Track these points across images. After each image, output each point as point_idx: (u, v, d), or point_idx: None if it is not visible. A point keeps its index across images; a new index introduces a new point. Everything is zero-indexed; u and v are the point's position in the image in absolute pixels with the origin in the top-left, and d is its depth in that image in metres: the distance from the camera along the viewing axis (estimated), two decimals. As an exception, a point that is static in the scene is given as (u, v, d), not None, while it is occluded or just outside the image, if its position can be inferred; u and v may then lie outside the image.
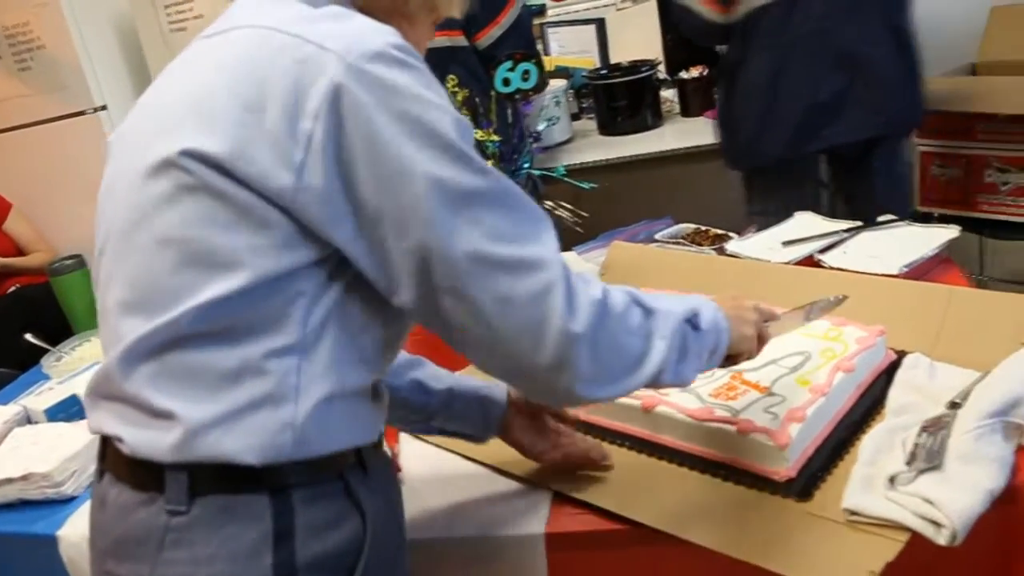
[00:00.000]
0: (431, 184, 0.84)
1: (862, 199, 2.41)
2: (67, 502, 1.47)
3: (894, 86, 2.32)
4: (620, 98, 3.36)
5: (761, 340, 1.13)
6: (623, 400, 1.27)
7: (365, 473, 0.96)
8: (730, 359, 1.09)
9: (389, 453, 1.12)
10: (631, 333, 0.94)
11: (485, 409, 1.24)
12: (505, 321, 0.87)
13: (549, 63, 3.78)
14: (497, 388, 1.25)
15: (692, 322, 1.00)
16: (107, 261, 0.95)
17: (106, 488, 0.95)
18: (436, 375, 1.25)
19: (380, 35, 0.87)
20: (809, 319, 1.24)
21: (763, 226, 2.05)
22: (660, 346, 0.95)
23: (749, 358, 1.12)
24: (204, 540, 0.87)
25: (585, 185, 1.82)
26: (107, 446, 0.96)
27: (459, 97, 1.71)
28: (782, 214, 2.12)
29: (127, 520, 0.91)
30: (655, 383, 0.97)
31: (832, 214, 2.14)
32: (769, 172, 2.43)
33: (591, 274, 0.90)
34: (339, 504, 0.93)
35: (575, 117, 3.73)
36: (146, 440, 0.89)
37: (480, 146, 1.71)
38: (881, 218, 1.85)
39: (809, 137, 2.30)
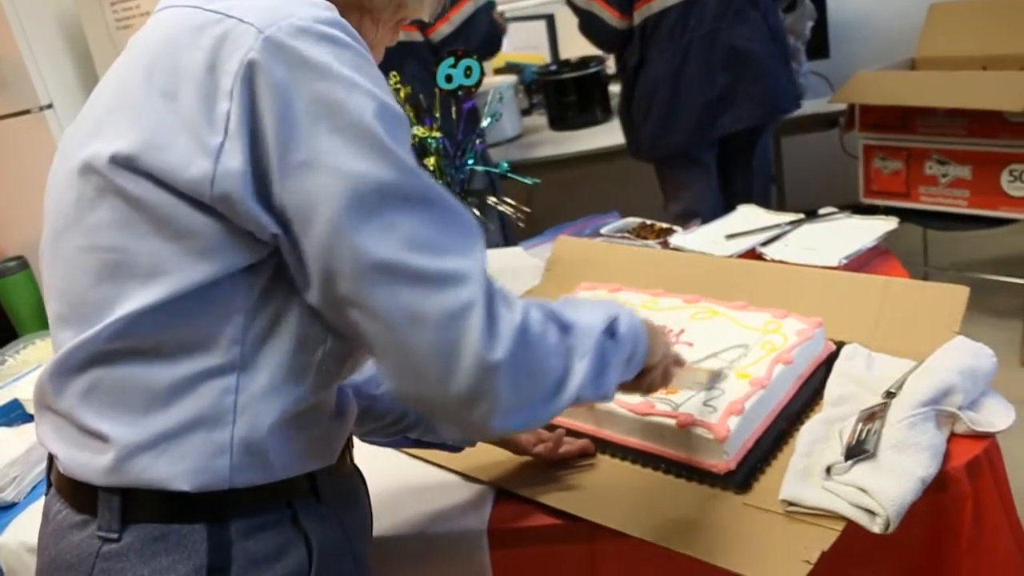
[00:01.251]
0: (342, 178, 0.76)
1: (743, 182, 2.85)
2: (7, 509, 1.44)
3: (773, 78, 2.67)
4: (570, 94, 3.39)
5: (665, 373, 1.09)
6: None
7: (318, 499, 0.91)
8: (643, 374, 1.04)
9: (356, 468, 1.07)
10: (550, 355, 0.86)
11: None
12: (415, 342, 0.78)
13: (499, 59, 3.80)
14: None
15: (611, 329, 0.94)
16: (44, 267, 0.91)
17: (51, 502, 0.92)
18: None
19: (310, 8, 0.80)
20: (709, 384, 1.23)
21: (679, 210, 2.71)
22: (580, 366, 0.89)
23: (651, 387, 1.07)
24: (133, 571, 0.83)
25: (528, 180, 1.82)
26: (52, 458, 0.92)
27: (402, 94, 1.70)
28: (688, 197, 2.75)
29: (61, 542, 0.87)
30: (576, 403, 0.90)
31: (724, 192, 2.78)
32: (675, 161, 2.77)
33: (510, 292, 0.86)
34: (284, 535, 0.87)
35: (526, 112, 3.76)
36: (80, 461, 0.85)
37: (423, 142, 1.71)
38: (822, 211, 1.88)
39: (708, 127, 2.64)
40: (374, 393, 1.15)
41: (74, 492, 0.87)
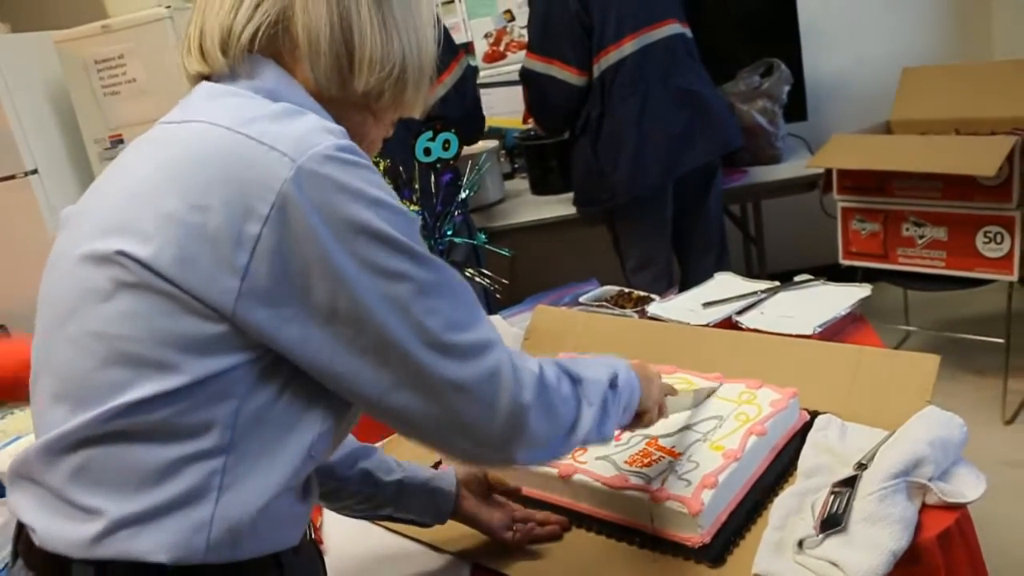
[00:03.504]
0: (382, 291, 0.85)
1: (701, 224, 3.04)
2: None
3: (722, 115, 2.92)
4: (551, 158, 3.42)
5: (660, 409, 1.21)
6: (542, 468, 1.29)
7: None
8: (636, 418, 1.17)
9: (315, 545, 1.11)
10: (565, 402, 0.99)
11: (436, 501, 1.25)
12: (463, 404, 0.89)
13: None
14: (446, 476, 1.27)
15: (612, 383, 1.07)
16: (39, 346, 0.93)
17: (17, 573, 0.93)
18: (386, 466, 1.24)
19: (328, 136, 0.86)
20: (695, 404, 1.36)
21: (633, 264, 2.95)
22: (589, 412, 1.01)
23: (650, 423, 1.20)
24: None
25: (505, 252, 1.85)
26: (22, 530, 0.93)
27: (381, 167, 1.73)
28: (649, 242, 2.95)
29: None
30: (584, 444, 1.04)
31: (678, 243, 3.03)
32: (633, 213, 2.95)
33: (522, 351, 0.98)
34: None
35: (508, 176, 3.79)
36: (60, 533, 0.87)
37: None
38: (797, 278, 1.90)
39: (674, 164, 2.82)
40: (346, 475, 1.20)
41: (46, 565, 0.88)
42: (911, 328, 3.39)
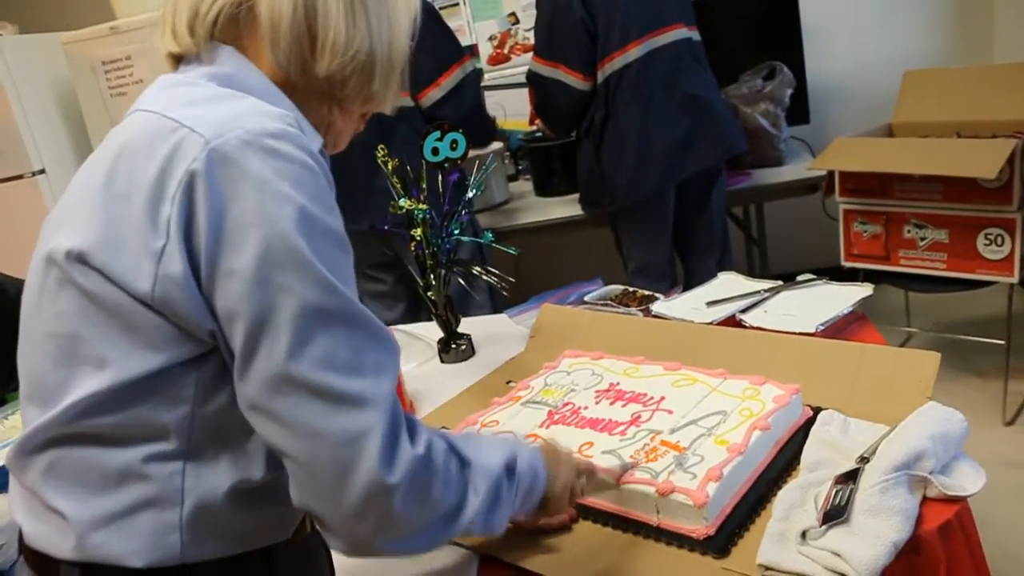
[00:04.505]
0: (262, 290, 0.80)
1: (704, 227, 3.06)
2: (-7, 578, 1.45)
3: (725, 121, 2.94)
4: (554, 160, 3.45)
5: (573, 493, 1.14)
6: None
7: (272, 568, 0.94)
8: (542, 504, 1.11)
9: (317, 536, 1.07)
10: (446, 487, 0.90)
11: None
12: (313, 454, 0.81)
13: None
14: None
15: (508, 467, 0.99)
16: (20, 347, 0.95)
17: (20, 569, 0.95)
18: None
19: (261, 120, 0.84)
20: (620, 483, 1.25)
21: (635, 266, 2.97)
22: (474, 501, 0.93)
23: (558, 510, 1.14)
24: None
25: (512, 250, 1.87)
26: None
27: (390, 167, 1.75)
28: (650, 245, 2.97)
29: None
30: (466, 534, 0.96)
31: (681, 243, 3.07)
32: (636, 216, 2.96)
33: (417, 421, 0.91)
34: None
35: (512, 178, 3.81)
36: (43, 535, 0.89)
37: (410, 214, 1.75)
38: (800, 277, 1.92)
39: (676, 168, 2.84)
40: None
41: (38, 562, 0.91)
42: (912, 329, 3.41)
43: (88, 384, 0.84)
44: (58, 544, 0.87)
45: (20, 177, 3.74)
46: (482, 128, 3.05)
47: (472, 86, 2.87)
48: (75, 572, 0.87)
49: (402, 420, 0.86)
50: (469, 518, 0.93)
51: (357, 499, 0.82)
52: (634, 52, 2.78)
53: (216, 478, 0.88)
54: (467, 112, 2.88)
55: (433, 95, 2.74)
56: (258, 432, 0.85)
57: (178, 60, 0.98)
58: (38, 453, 0.88)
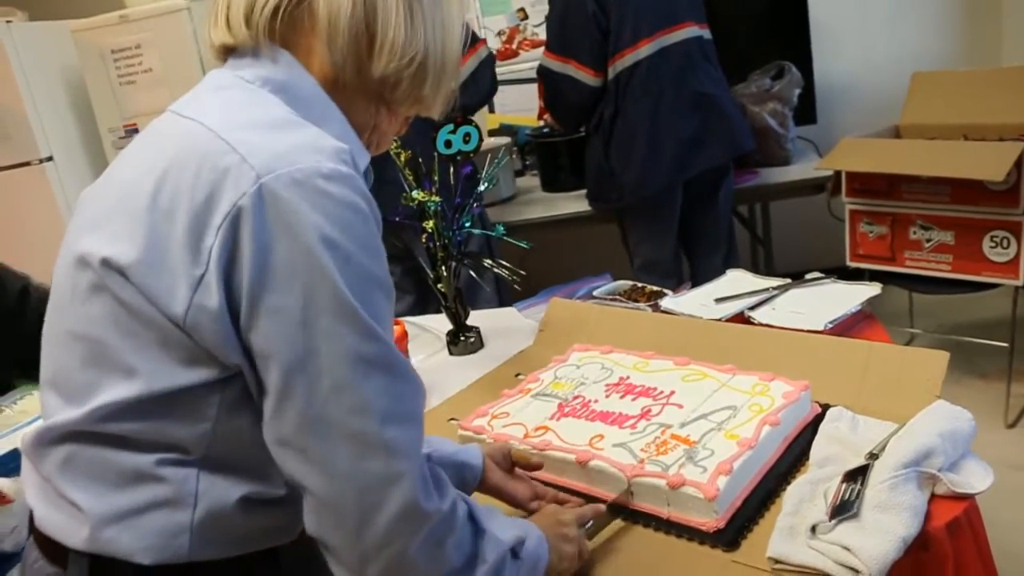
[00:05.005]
0: (306, 334, 0.80)
1: (711, 224, 3.08)
2: (5, 559, 1.45)
3: (734, 119, 2.95)
4: (562, 156, 3.45)
5: (581, 554, 1.14)
6: (559, 454, 1.32)
7: (279, 567, 0.95)
8: None
9: None
10: (458, 549, 0.90)
11: (463, 474, 1.23)
12: (342, 495, 0.82)
13: (494, 121, 3.88)
14: (472, 449, 1.27)
15: (515, 550, 0.99)
16: (45, 331, 0.95)
17: (29, 550, 0.97)
18: None
19: (314, 157, 0.82)
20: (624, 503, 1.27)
21: (640, 262, 2.98)
22: (481, 569, 0.93)
23: (569, 573, 1.13)
24: None
25: (524, 244, 1.88)
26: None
27: (402, 158, 1.76)
28: (657, 242, 2.98)
29: None
30: None
31: (687, 239, 3.08)
32: (643, 212, 2.99)
33: (442, 475, 0.93)
34: None
35: (519, 174, 3.82)
36: (56, 522, 0.90)
37: (422, 206, 1.76)
38: (808, 276, 1.93)
39: (684, 167, 2.86)
40: None
41: (48, 546, 0.92)
42: (915, 331, 3.42)
43: (116, 391, 0.85)
44: (70, 534, 0.89)
45: (27, 164, 3.74)
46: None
47: (487, 72, 2.87)
48: (84, 562, 0.88)
49: (428, 472, 0.87)
50: None
51: (376, 540, 0.83)
52: (645, 49, 2.79)
53: (230, 487, 0.89)
54: (485, 98, 2.90)
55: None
56: (281, 467, 0.85)
57: (228, 52, 0.96)
58: (56, 445, 0.90)
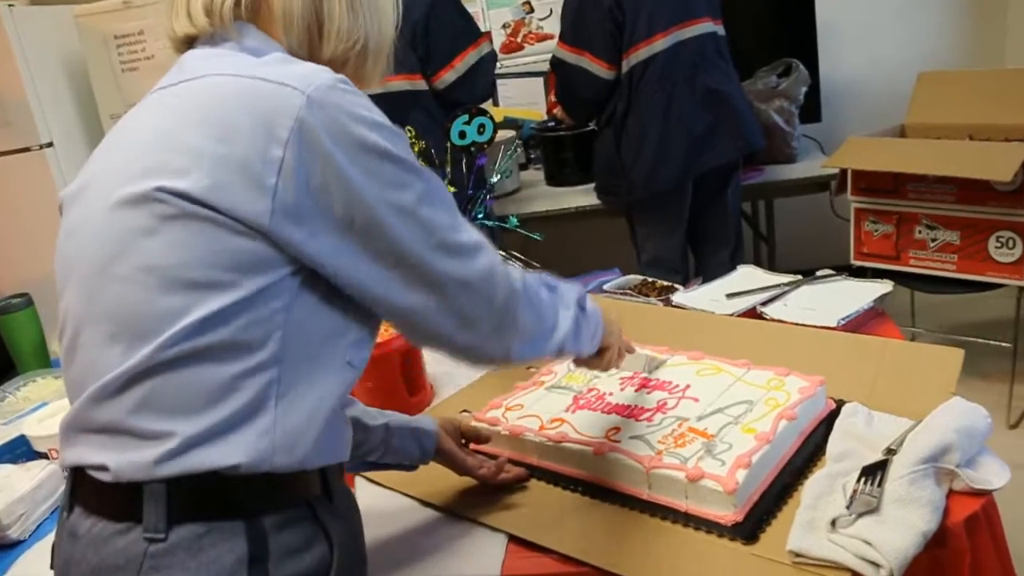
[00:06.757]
0: (390, 199, 0.94)
1: (719, 220, 3.10)
2: (13, 546, 1.44)
3: (745, 116, 2.97)
4: (567, 150, 3.45)
5: (620, 352, 1.34)
6: (575, 446, 1.32)
7: (331, 501, 1.00)
8: (599, 353, 1.29)
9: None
10: (544, 303, 1.10)
11: (420, 441, 1.35)
12: (466, 300, 0.99)
13: (498, 114, 3.87)
14: (425, 419, 1.38)
15: (581, 303, 1.19)
16: (74, 301, 0.97)
17: (77, 521, 0.96)
18: (370, 413, 1.31)
19: (326, 71, 0.96)
20: (647, 368, 1.51)
21: (647, 258, 3.01)
22: (566, 315, 1.14)
23: (609, 363, 1.33)
24: (182, 565, 0.89)
25: (536, 236, 1.88)
26: (79, 480, 0.97)
27: (416, 148, 1.75)
28: (664, 237, 3.00)
29: (103, 550, 0.91)
30: (561, 350, 1.15)
31: (694, 235, 3.10)
32: (651, 208, 3.00)
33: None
34: (308, 530, 0.96)
35: (523, 167, 3.82)
36: (132, 460, 0.90)
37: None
38: (819, 272, 1.93)
39: (694, 163, 2.87)
40: None
41: (115, 502, 0.92)
42: (917, 330, 3.42)
43: (206, 306, 0.90)
44: (151, 462, 0.89)
45: (27, 149, 3.72)
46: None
47: (483, 71, 2.86)
48: (161, 500, 0.90)
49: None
50: (564, 330, 1.13)
51: (500, 315, 1.02)
52: (660, 43, 2.79)
53: (302, 386, 0.95)
54: (480, 96, 2.88)
55: (447, 77, 2.75)
56: (412, 309, 0.99)
57: (189, 42, 1.07)
58: (129, 388, 0.91)
